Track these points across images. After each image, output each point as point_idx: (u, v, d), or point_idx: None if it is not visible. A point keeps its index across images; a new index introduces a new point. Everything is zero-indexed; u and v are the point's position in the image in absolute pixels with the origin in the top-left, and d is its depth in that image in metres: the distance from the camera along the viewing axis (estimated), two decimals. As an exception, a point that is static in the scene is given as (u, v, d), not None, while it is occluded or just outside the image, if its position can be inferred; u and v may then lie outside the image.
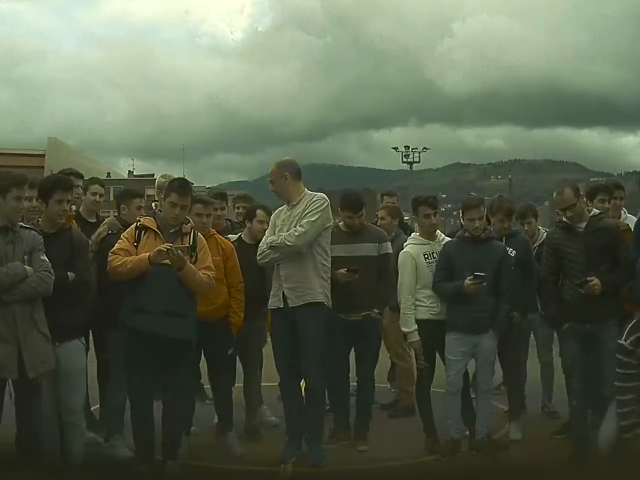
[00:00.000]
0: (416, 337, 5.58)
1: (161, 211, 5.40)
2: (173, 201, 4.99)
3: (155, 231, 4.97)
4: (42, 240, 4.58)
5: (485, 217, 5.67)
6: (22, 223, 4.62)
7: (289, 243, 5.25)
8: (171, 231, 5.01)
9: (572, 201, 5.26)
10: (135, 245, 4.94)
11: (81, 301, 4.83)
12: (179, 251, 4.77)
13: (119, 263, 4.86)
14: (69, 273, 4.70)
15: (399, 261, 5.74)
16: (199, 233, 5.16)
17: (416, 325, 5.57)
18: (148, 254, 4.81)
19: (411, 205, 6.04)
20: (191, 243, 4.98)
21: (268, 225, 5.63)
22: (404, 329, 5.66)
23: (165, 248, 4.76)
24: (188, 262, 4.85)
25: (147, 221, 5.06)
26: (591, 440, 5.03)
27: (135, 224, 5.09)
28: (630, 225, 5.83)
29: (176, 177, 6.09)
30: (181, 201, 4.99)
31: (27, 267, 4.41)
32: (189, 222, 5.13)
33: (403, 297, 5.63)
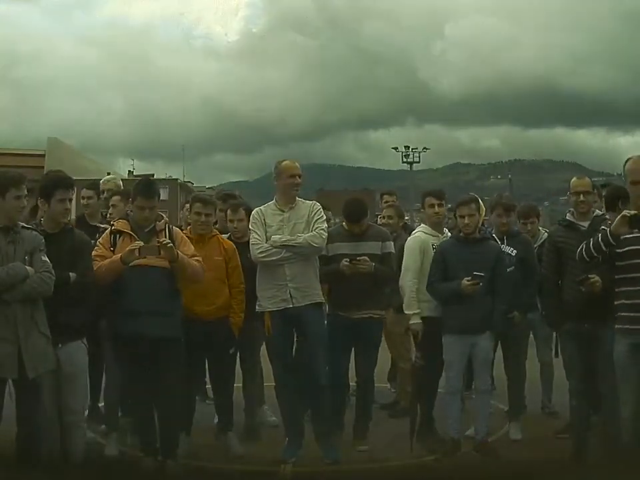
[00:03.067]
0: (418, 320, 5.60)
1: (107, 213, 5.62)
2: (139, 205, 5.05)
3: (130, 234, 5.01)
4: (43, 240, 4.57)
5: (477, 216, 5.65)
6: (23, 223, 4.63)
7: (315, 244, 5.34)
8: (145, 230, 5.05)
9: (589, 188, 5.33)
10: (112, 250, 4.99)
11: (83, 302, 4.84)
12: (163, 243, 4.82)
13: (95, 268, 4.90)
14: (70, 273, 4.70)
15: (406, 245, 5.77)
16: (174, 227, 5.22)
17: (419, 309, 5.59)
18: (120, 255, 4.86)
19: (421, 199, 6.06)
20: (166, 239, 5.00)
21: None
22: (407, 311, 5.66)
23: (136, 246, 4.81)
24: (180, 253, 4.90)
25: (120, 224, 5.11)
26: (591, 440, 5.04)
27: (109, 229, 5.15)
28: None
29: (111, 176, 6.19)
30: (148, 203, 5.04)
31: (27, 267, 4.41)
32: (162, 218, 5.17)
33: (408, 279, 5.64)
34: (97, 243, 5.09)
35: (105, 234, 5.14)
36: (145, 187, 5.15)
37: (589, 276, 5.00)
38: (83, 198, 6.15)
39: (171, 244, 4.88)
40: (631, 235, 4.72)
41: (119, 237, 5.03)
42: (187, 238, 5.21)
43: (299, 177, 5.51)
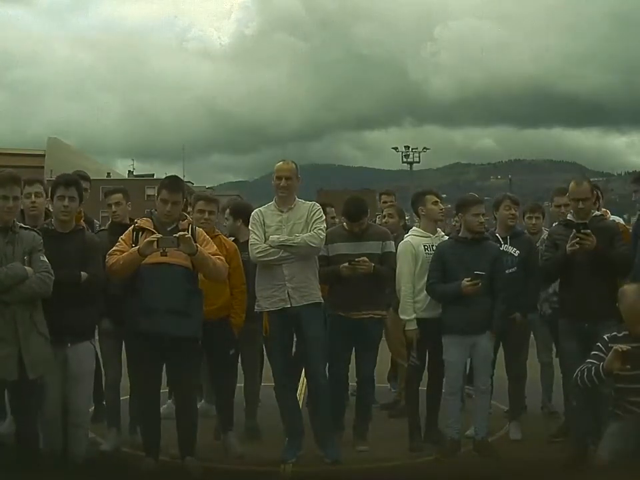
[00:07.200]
0: (414, 326, 5.61)
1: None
2: (163, 198, 5.05)
3: (152, 231, 5.00)
4: (42, 241, 4.57)
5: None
6: (21, 224, 4.62)
7: (312, 244, 5.33)
8: (168, 229, 5.03)
9: (588, 194, 5.42)
10: (132, 246, 4.97)
11: (93, 301, 4.84)
12: (182, 235, 4.80)
13: (113, 261, 4.91)
14: (82, 272, 4.70)
15: (398, 251, 5.76)
16: (197, 227, 5.19)
17: (415, 314, 5.60)
18: (138, 247, 4.85)
19: (414, 200, 6.02)
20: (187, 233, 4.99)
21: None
22: (403, 317, 5.67)
23: (155, 238, 4.80)
24: (199, 247, 4.89)
25: (143, 222, 5.11)
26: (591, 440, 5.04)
27: (132, 225, 5.15)
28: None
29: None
30: (171, 197, 5.03)
31: (26, 267, 4.41)
32: (186, 218, 5.16)
33: (403, 284, 5.64)
34: (119, 238, 5.08)
35: (127, 231, 5.13)
36: (170, 181, 5.17)
37: (584, 231, 5.13)
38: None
39: (190, 236, 4.87)
40: None
41: (141, 234, 5.01)
42: (209, 238, 5.20)
43: (286, 179, 5.44)
